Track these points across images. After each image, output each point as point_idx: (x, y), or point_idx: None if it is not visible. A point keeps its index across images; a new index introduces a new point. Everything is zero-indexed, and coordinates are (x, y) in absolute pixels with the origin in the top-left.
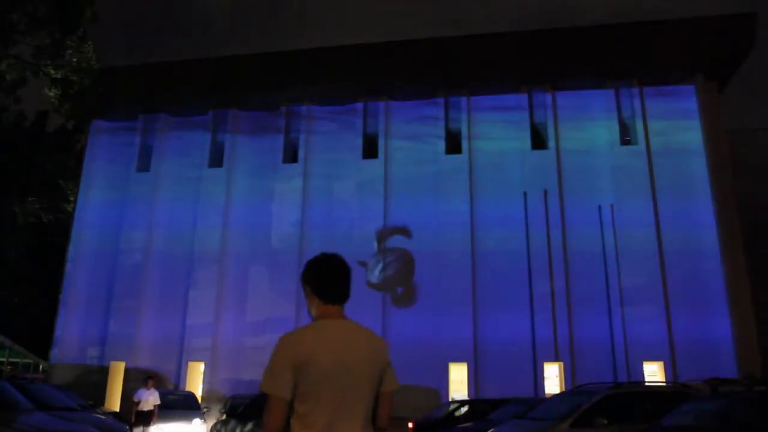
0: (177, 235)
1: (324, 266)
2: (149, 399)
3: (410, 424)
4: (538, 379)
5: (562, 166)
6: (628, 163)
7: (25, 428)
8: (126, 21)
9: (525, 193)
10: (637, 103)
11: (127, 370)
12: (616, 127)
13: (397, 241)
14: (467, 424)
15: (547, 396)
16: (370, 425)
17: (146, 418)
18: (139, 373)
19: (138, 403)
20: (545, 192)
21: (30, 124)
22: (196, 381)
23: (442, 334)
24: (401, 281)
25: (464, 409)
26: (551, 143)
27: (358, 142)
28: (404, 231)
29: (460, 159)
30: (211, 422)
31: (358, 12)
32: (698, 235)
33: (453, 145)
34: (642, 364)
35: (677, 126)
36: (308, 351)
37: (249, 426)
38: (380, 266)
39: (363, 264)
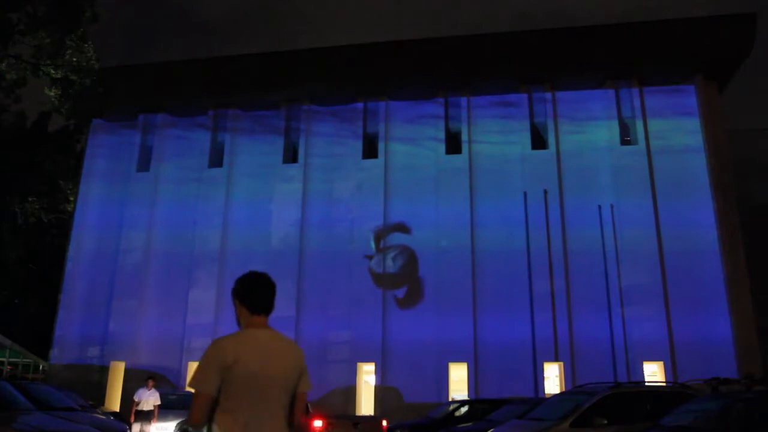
0: (177, 235)
1: (253, 282)
2: (149, 399)
3: (384, 422)
4: (538, 379)
5: (562, 166)
6: (628, 163)
7: (25, 428)
8: (126, 21)
9: (525, 193)
10: (637, 103)
11: (127, 370)
12: (616, 127)
13: (396, 240)
14: (467, 424)
15: (547, 396)
16: (286, 419)
17: (146, 418)
18: (139, 373)
19: (138, 402)
20: (545, 192)
21: (32, 124)
22: None
23: (442, 334)
24: (406, 277)
25: (464, 409)
26: (551, 143)
27: (358, 142)
28: (402, 228)
29: (460, 159)
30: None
31: (357, 12)
32: (698, 235)
33: (453, 145)
34: (642, 364)
35: (677, 126)
36: (235, 355)
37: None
38: (382, 264)
39: (370, 257)
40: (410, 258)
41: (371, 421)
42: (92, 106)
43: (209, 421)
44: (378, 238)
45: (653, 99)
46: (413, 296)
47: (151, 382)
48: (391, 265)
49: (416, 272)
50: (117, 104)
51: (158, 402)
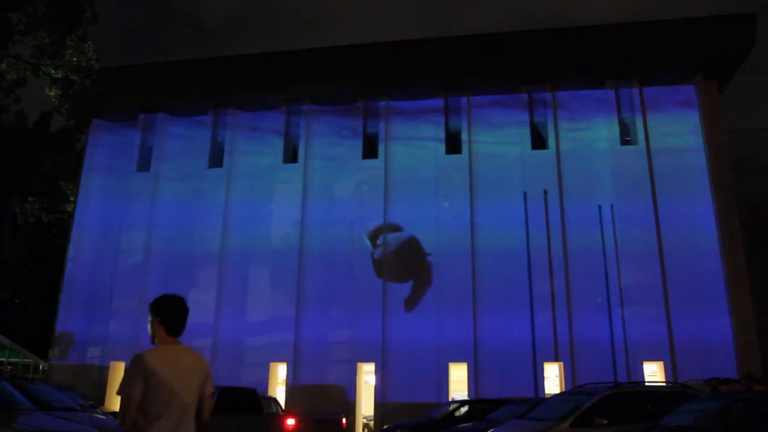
0: (177, 235)
1: (175, 307)
2: None
3: (343, 420)
4: (538, 379)
5: (562, 166)
6: (628, 163)
7: (25, 428)
8: (126, 21)
9: (525, 193)
10: (637, 103)
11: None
12: (616, 127)
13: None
14: (467, 424)
15: (547, 396)
16: (194, 415)
17: None
18: None
19: None
20: (545, 192)
21: (33, 124)
22: None
23: (442, 334)
24: (411, 267)
25: (464, 409)
26: (551, 143)
27: (358, 142)
28: (396, 228)
29: (460, 159)
30: None
31: (357, 12)
32: (698, 235)
33: (453, 145)
34: (642, 364)
35: (677, 126)
36: (153, 367)
37: None
38: (384, 251)
39: (372, 245)
40: (414, 244)
41: (333, 419)
42: (92, 106)
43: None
44: (373, 238)
45: (653, 99)
46: (420, 290)
47: None
48: (393, 254)
49: (423, 258)
50: (117, 104)
51: None
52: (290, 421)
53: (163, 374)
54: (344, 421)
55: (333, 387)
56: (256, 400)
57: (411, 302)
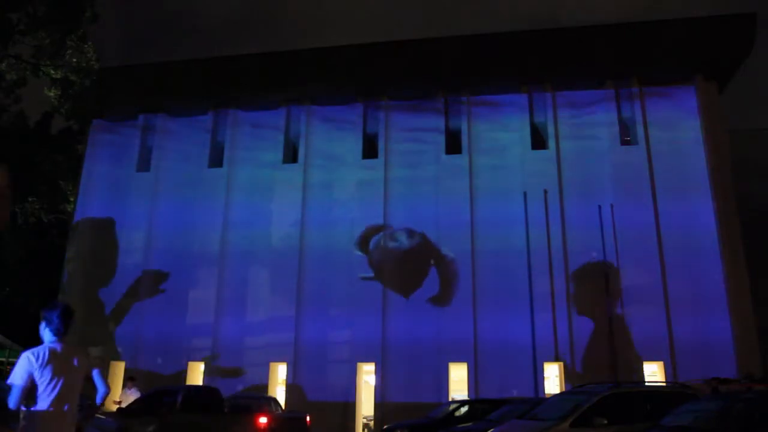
0: (177, 235)
1: (62, 314)
2: (130, 398)
3: (308, 418)
4: (538, 379)
5: (562, 166)
6: (628, 162)
7: None
8: (126, 21)
9: (525, 193)
10: (637, 103)
11: (127, 370)
12: (616, 127)
13: (389, 242)
14: (467, 424)
15: (547, 396)
16: (78, 399)
17: None
18: (139, 374)
19: (119, 402)
20: (545, 192)
21: (35, 124)
22: (196, 381)
23: (442, 333)
24: (426, 263)
25: (464, 409)
26: (551, 143)
27: (358, 142)
28: (384, 228)
29: (460, 159)
30: None
31: (358, 12)
32: (698, 235)
33: (453, 145)
34: (642, 364)
35: (677, 126)
36: (44, 360)
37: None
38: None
39: (365, 251)
40: (420, 238)
41: (299, 417)
42: (92, 107)
43: (26, 404)
44: (363, 244)
45: (653, 99)
46: (446, 283)
47: (130, 383)
48: (402, 254)
49: (434, 249)
50: (117, 104)
51: None
52: (263, 420)
53: (50, 367)
54: (308, 419)
55: (333, 387)
56: (218, 399)
57: (443, 298)
